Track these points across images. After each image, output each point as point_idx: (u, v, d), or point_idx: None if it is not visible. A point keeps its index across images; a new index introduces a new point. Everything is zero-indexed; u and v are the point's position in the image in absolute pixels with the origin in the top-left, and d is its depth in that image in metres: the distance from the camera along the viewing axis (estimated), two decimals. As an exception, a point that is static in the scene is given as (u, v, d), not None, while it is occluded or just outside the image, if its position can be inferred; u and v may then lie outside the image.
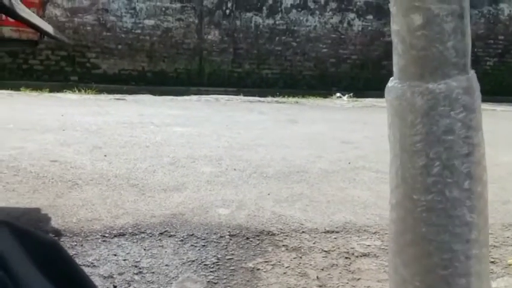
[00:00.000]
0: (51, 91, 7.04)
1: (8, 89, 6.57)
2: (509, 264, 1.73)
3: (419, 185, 0.86)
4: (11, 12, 1.37)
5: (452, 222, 0.84)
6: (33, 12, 2.13)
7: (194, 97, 7.52)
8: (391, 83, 0.90)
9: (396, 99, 0.87)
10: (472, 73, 0.85)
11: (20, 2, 1.51)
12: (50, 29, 1.62)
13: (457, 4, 0.81)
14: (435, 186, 0.85)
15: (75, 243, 1.77)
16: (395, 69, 0.90)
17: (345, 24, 10.53)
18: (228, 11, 9.83)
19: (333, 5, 10.37)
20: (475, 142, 0.84)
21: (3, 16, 1.83)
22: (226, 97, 7.77)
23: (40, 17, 2.28)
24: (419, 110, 0.84)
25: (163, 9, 9.48)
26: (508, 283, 1.59)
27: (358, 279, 1.60)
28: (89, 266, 1.61)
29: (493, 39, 11.04)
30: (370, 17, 10.55)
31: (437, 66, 0.82)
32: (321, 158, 3.31)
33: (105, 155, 3.00)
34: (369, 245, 1.86)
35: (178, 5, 9.54)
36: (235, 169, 2.88)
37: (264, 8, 10.05)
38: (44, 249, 0.48)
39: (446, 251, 0.85)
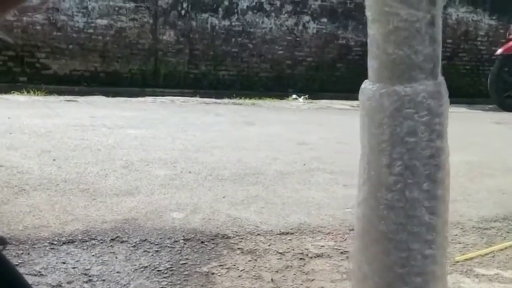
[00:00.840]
0: (-3, 92, 6.74)
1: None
2: (457, 262, 1.79)
3: (383, 184, 0.88)
4: None
5: (410, 222, 0.86)
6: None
7: (149, 98, 7.40)
8: (364, 84, 0.92)
9: (367, 100, 0.90)
10: (441, 79, 0.87)
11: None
12: (-9, 28, 1.55)
13: (426, 11, 0.83)
14: (396, 185, 0.87)
15: (22, 252, 1.70)
16: (369, 71, 0.92)
17: (300, 27, 10.66)
18: (183, 12, 9.74)
19: (288, 7, 10.48)
20: (438, 145, 0.86)
21: None
22: (182, 99, 7.69)
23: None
24: (386, 111, 0.86)
25: (117, 8, 9.28)
26: (456, 280, 1.65)
27: (312, 280, 1.61)
28: (36, 275, 1.55)
29: (442, 42, 11.46)
30: (324, 20, 10.73)
31: (404, 70, 0.85)
32: (277, 159, 3.33)
33: (54, 159, 2.90)
34: (322, 246, 1.88)
35: (132, 5, 9.36)
36: (190, 172, 2.85)
37: (220, 9, 10.03)
38: None
39: (403, 249, 0.87)
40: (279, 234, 1.98)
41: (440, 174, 0.87)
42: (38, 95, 6.81)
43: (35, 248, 1.74)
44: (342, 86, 9.73)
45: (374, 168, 0.89)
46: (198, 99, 7.86)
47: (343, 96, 8.69)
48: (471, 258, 1.82)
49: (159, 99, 7.49)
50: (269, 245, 1.87)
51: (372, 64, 0.90)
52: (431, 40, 0.85)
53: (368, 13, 0.89)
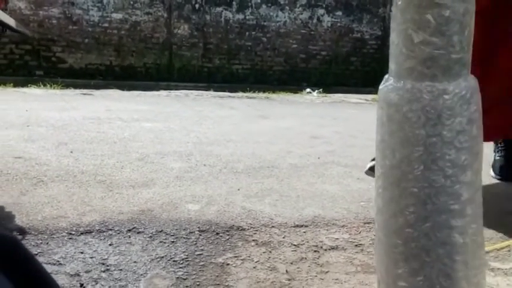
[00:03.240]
0: (15, 86, 6.84)
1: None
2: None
3: (409, 174, 0.86)
4: (-31, 3, 1.32)
5: (449, 199, 0.85)
6: (-6, 4, 2.07)
7: (163, 92, 7.44)
8: (394, 84, 0.89)
9: (402, 99, 0.87)
10: (472, 76, 0.85)
11: (-21, -7, 1.45)
12: (12, 21, 1.57)
13: (469, 3, 0.81)
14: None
15: (41, 241, 1.73)
16: (397, 70, 0.88)
17: (315, 20, 10.61)
18: (197, 6, 9.76)
19: (303, 1, 10.43)
20: (474, 134, 0.84)
21: (-38, 7, 1.76)
22: (196, 92, 7.72)
23: (2, 10, 2.21)
24: (423, 109, 0.84)
25: (132, 2, 9.32)
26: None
27: (327, 272, 1.62)
28: (54, 264, 1.58)
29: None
30: (339, 13, 10.66)
31: (438, 66, 0.82)
32: (291, 153, 3.33)
33: (71, 151, 2.94)
34: (337, 238, 1.89)
35: (146, -1, 9.41)
36: (205, 165, 2.86)
37: (234, 2, 10.02)
38: (2, 244, 0.47)
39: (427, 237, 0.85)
40: (294, 226, 1.99)
41: (470, 160, 0.85)
42: (54, 88, 6.89)
43: (53, 238, 1.77)
44: (357, 79, 9.67)
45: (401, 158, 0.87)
46: (212, 92, 7.89)
47: (357, 90, 8.65)
48: (487, 252, 1.81)
49: (174, 92, 7.53)
50: (284, 237, 1.88)
51: (395, 58, 0.87)
52: (468, 33, 0.83)
53: (393, 9, 0.86)
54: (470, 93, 0.82)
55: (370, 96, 8.41)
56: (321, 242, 1.85)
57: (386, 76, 0.91)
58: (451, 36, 0.81)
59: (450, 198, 0.84)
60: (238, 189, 2.41)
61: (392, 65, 0.88)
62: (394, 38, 0.86)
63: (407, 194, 0.86)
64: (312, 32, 10.64)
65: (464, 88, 0.82)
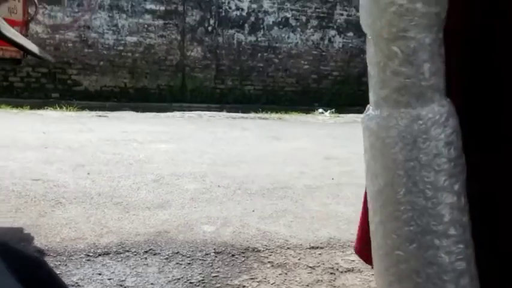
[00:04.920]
0: (32, 108, 6.97)
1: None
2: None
3: (402, 187, 0.88)
4: (-4, 32, 1.38)
5: (432, 220, 0.86)
6: (17, 30, 2.13)
7: (177, 113, 7.52)
8: (371, 112, 0.93)
9: (380, 127, 0.90)
10: (448, 100, 0.88)
11: (4, 22, 1.51)
12: (35, 48, 1.63)
13: (440, 33, 0.84)
14: (416, 186, 0.87)
15: (59, 263, 1.75)
16: (371, 96, 0.93)
17: (326, 41, 10.69)
18: (210, 28, 9.91)
19: (314, 22, 10.54)
20: (460, 163, 0.86)
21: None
22: (209, 113, 7.79)
23: (23, 35, 2.28)
24: (398, 134, 0.87)
25: (146, 26, 9.50)
26: None
27: (343, 294, 1.62)
28: (73, 286, 1.60)
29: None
30: (350, 34, 10.74)
31: (414, 93, 0.85)
32: (305, 174, 3.34)
33: (88, 173, 2.98)
34: (353, 260, 1.88)
35: (160, 22, 9.58)
36: (219, 186, 2.89)
37: (246, 25, 10.16)
38: (27, 264, 0.49)
39: (429, 247, 0.87)
40: (309, 248, 1.99)
41: (458, 184, 0.87)
42: (70, 110, 7.01)
43: (71, 259, 1.79)
44: (369, 100, 9.67)
45: (390, 195, 0.89)
46: (224, 113, 7.95)
47: (369, 110, 8.65)
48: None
49: (187, 114, 7.61)
50: (299, 259, 1.88)
51: (374, 89, 0.91)
52: (438, 60, 0.85)
53: (372, 39, 0.90)
54: (445, 117, 0.85)
55: (382, 116, 8.37)
56: (337, 264, 1.85)
57: (368, 106, 0.95)
58: (420, 65, 0.84)
59: (433, 220, 0.86)
60: (253, 211, 2.42)
61: (371, 95, 0.92)
62: (370, 70, 0.90)
63: (393, 217, 0.89)
64: (324, 53, 10.72)
65: (438, 112, 0.84)
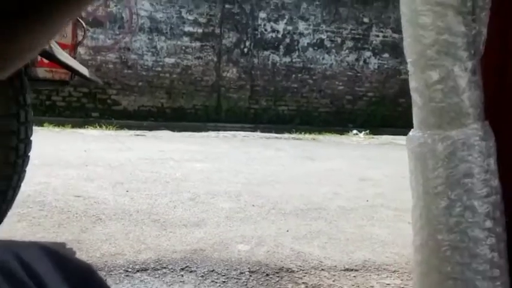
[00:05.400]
0: (73, 127, 7.22)
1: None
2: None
3: (443, 226, 0.90)
4: (52, 56, 1.47)
5: (475, 261, 0.88)
6: (67, 53, 2.25)
7: (212, 133, 7.64)
8: (412, 132, 0.97)
9: (418, 146, 0.94)
10: (486, 122, 0.91)
11: (58, 46, 1.61)
12: (85, 70, 1.72)
13: (470, 61, 0.88)
14: (458, 226, 0.89)
15: (100, 277, 1.81)
16: (415, 120, 0.97)
17: (361, 62, 10.67)
18: (246, 50, 10.07)
19: (350, 43, 10.55)
20: (493, 185, 0.88)
21: (38, 57, 1.94)
22: (243, 133, 7.87)
23: (72, 57, 2.40)
24: (440, 156, 0.90)
25: (184, 48, 9.75)
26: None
27: (378, 317, 1.61)
28: (113, 300, 1.65)
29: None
30: (386, 55, 10.70)
31: (454, 116, 0.89)
32: (339, 195, 3.34)
33: (127, 191, 3.07)
34: (388, 284, 1.87)
35: (198, 44, 9.82)
36: (253, 205, 2.92)
37: (281, 46, 10.27)
38: (79, 273, 0.52)
39: None
40: (344, 270, 1.99)
41: (499, 212, 0.89)
42: (109, 129, 7.23)
43: (111, 275, 1.85)
44: (405, 121, 9.52)
45: (431, 211, 0.91)
46: (258, 133, 8.01)
47: (406, 132, 8.50)
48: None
49: (222, 133, 7.71)
50: (333, 281, 1.88)
51: (417, 113, 0.95)
52: (476, 87, 0.89)
53: (411, 67, 0.94)
54: (475, 140, 0.90)
55: (418, 138, 8.25)
56: (372, 287, 1.84)
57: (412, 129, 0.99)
58: (450, 92, 0.90)
59: (467, 238, 0.90)
60: (287, 231, 2.44)
61: (414, 117, 0.96)
62: (412, 95, 0.94)
63: (433, 238, 0.91)
64: (359, 74, 10.70)
65: (468, 135, 0.87)
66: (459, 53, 0.89)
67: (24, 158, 1.53)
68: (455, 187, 0.89)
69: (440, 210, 0.90)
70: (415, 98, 0.96)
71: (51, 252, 0.44)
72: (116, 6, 9.40)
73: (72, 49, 2.48)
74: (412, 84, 0.96)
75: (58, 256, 0.47)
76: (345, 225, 2.62)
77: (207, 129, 8.30)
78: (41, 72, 2.04)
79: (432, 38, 0.89)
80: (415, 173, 0.96)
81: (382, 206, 3.07)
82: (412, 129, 1.00)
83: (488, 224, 0.88)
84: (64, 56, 1.56)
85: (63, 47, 2.26)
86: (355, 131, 9.09)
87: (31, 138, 1.57)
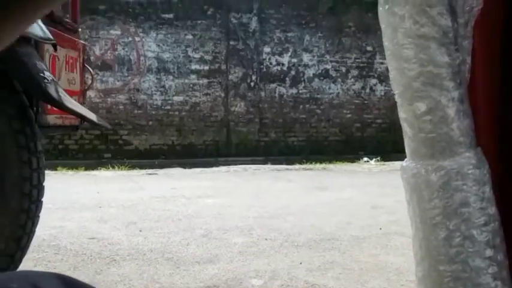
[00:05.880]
0: (86, 169, 7.32)
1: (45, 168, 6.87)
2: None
3: (443, 257, 0.91)
4: (59, 104, 1.54)
5: None
6: (75, 99, 2.33)
7: (223, 168, 7.68)
8: (406, 163, 0.99)
9: (412, 177, 0.95)
10: (479, 149, 0.93)
11: (66, 94, 1.68)
12: (93, 116, 1.78)
13: (457, 91, 0.91)
14: (458, 257, 0.90)
15: (115, 319, 1.82)
16: (407, 150, 0.99)
17: (368, 90, 10.75)
18: (252, 84, 10.21)
19: (355, 72, 10.66)
20: (491, 212, 0.90)
21: (48, 105, 2.01)
22: (254, 167, 7.90)
23: (81, 103, 2.48)
24: (434, 186, 0.92)
25: (191, 85, 9.93)
26: None
27: None
28: None
29: None
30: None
31: (445, 146, 0.91)
32: (351, 224, 3.32)
33: (140, 230, 3.09)
34: (404, 312, 1.85)
35: (205, 81, 9.99)
36: (266, 239, 2.92)
37: (287, 78, 10.41)
38: None
39: None
40: (359, 300, 1.97)
41: (498, 239, 0.90)
42: (121, 169, 7.31)
43: (126, 315, 1.86)
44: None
45: (431, 242, 0.92)
46: (269, 166, 8.04)
47: (416, 156, 8.48)
48: None
49: (233, 168, 7.75)
50: (349, 312, 1.86)
51: (408, 143, 0.97)
52: (464, 115, 0.91)
53: (398, 99, 0.97)
54: (469, 169, 0.89)
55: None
56: (388, 316, 1.82)
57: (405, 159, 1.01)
58: (438, 122, 0.91)
59: (468, 268, 0.89)
60: (301, 263, 2.43)
61: (406, 147, 0.98)
62: (402, 126, 0.97)
63: (434, 269, 0.92)
64: (366, 102, 10.76)
65: (461, 164, 0.90)
66: (445, 84, 0.91)
67: (38, 204, 1.57)
68: (452, 217, 0.90)
69: (439, 241, 0.92)
70: (405, 128, 0.97)
71: (67, 281, 0.47)
72: (123, 49, 9.65)
73: (81, 95, 2.56)
74: (401, 115, 0.98)
75: (73, 284, 0.49)
76: (358, 254, 2.60)
77: (218, 164, 8.35)
78: (51, 119, 2.11)
79: (417, 71, 0.91)
80: (411, 204, 0.97)
81: (396, 234, 3.04)
82: (405, 160, 1.02)
83: (489, 252, 0.89)
84: (72, 103, 1.62)
85: (72, 93, 2.34)
86: (366, 159, 9.07)
87: (43, 184, 1.61)
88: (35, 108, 1.82)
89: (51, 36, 1.69)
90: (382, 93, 10.79)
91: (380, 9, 0.99)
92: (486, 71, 0.98)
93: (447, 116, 0.90)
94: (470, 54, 0.93)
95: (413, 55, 0.90)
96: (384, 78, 10.76)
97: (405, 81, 0.92)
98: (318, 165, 8.07)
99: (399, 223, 3.33)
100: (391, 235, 3.02)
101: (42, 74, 1.47)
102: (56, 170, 7.04)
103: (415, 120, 0.93)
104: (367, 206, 4.07)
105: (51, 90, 1.46)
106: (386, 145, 10.49)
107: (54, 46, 1.89)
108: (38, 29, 1.62)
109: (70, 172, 7.04)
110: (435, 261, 0.91)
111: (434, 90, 0.90)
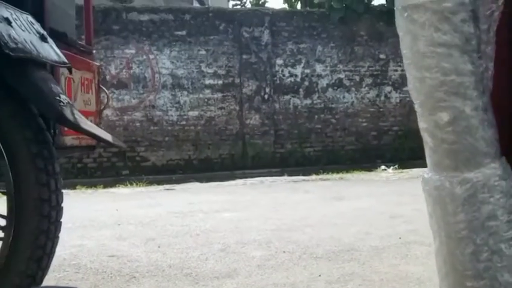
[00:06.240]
0: (105, 187, 7.39)
1: (64, 188, 6.96)
2: None
3: (470, 272, 0.88)
4: (75, 127, 1.57)
5: None
6: (91, 120, 2.37)
7: (239, 181, 7.68)
8: (427, 174, 0.95)
9: (435, 189, 0.92)
10: (503, 159, 0.89)
11: (82, 116, 1.71)
12: (109, 136, 1.82)
13: (480, 99, 0.88)
14: (487, 272, 0.86)
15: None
16: (429, 161, 0.96)
17: (382, 98, 10.71)
18: (266, 96, 10.26)
19: (368, 80, 10.64)
20: None
21: (65, 127, 2.05)
22: (270, 179, 7.89)
23: (97, 124, 2.52)
24: (459, 199, 0.88)
25: (206, 100, 10.02)
26: None
27: None
28: None
29: None
30: (407, 88, 10.68)
31: (469, 157, 0.88)
32: (370, 234, 3.29)
33: (159, 246, 3.11)
34: (426, 323, 1.82)
35: (219, 95, 10.07)
36: (284, 251, 2.91)
37: (301, 89, 10.43)
38: None
39: None
40: (379, 312, 1.95)
41: None
42: (139, 186, 7.37)
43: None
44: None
45: (457, 257, 0.89)
46: (286, 177, 8.02)
47: (435, 163, 8.35)
48: None
49: (249, 181, 7.75)
50: (370, 324, 1.85)
51: (430, 154, 0.94)
52: (489, 125, 0.88)
53: (419, 108, 0.94)
54: (495, 180, 0.86)
55: (449, 168, 8.08)
56: (410, 327, 1.80)
57: (426, 169, 0.98)
58: (462, 132, 0.88)
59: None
60: (320, 275, 2.41)
61: (427, 159, 0.95)
62: (422, 136, 0.94)
63: (458, 283, 0.88)
64: (381, 109, 10.71)
65: (487, 176, 0.86)
66: (468, 92, 0.88)
67: (57, 225, 1.60)
68: (479, 231, 0.87)
69: (466, 256, 0.88)
70: (426, 139, 0.94)
71: None
72: (138, 67, 9.81)
73: (97, 115, 2.60)
74: (422, 125, 0.95)
75: None
76: (378, 265, 2.57)
77: (234, 178, 8.37)
78: (68, 140, 2.15)
79: (439, 80, 0.88)
80: (434, 217, 0.94)
81: (416, 243, 3.01)
82: (426, 171, 0.99)
83: None
84: (88, 124, 1.65)
85: (88, 114, 2.39)
86: (383, 167, 8.99)
87: (62, 205, 1.64)
88: (52, 131, 1.86)
89: (66, 60, 1.74)
90: (398, 100, 10.73)
91: (398, 16, 0.96)
92: (508, 77, 0.95)
93: (471, 125, 0.87)
94: (493, 61, 0.90)
95: (435, 64, 0.87)
96: (398, 85, 10.71)
97: (426, 90, 0.90)
98: (335, 175, 8.03)
99: (418, 232, 3.29)
100: (410, 244, 2.98)
101: (58, 98, 1.51)
102: (75, 188, 7.13)
103: (437, 130, 0.90)
104: (385, 215, 4.03)
105: (67, 113, 1.50)
106: (403, 152, 10.40)
107: (69, 69, 1.94)
108: (53, 53, 1.66)
109: (89, 190, 7.12)
110: (461, 276, 0.87)
111: (458, 100, 0.87)
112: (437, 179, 0.92)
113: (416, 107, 0.96)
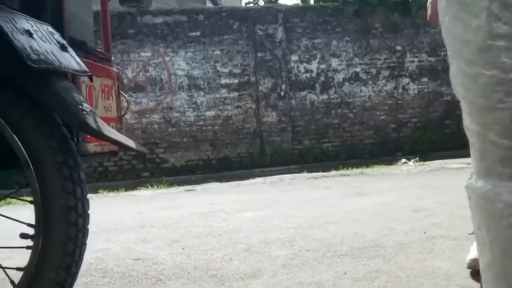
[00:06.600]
0: (126, 190, 7.47)
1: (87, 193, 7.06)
2: None
3: None
4: (98, 134, 1.59)
5: None
6: (112, 126, 2.40)
7: (259, 179, 7.69)
8: (474, 181, 0.87)
9: (483, 199, 0.84)
10: None
11: (104, 123, 1.73)
12: (132, 142, 1.83)
13: None
14: None
15: None
16: (476, 167, 0.87)
17: (400, 90, 10.58)
18: (282, 93, 10.23)
19: (385, 73, 10.53)
20: None
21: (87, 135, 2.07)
22: (290, 176, 7.88)
23: (118, 129, 2.55)
24: None
25: (222, 99, 10.04)
26: None
27: None
28: None
29: None
30: (424, 79, 10.57)
31: None
32: (394, 229, 3.26)
33: (183, 248, 3.13)
34: (456, 320, 1.80)
35: (235, 94, 10.08)
36: (308, 250, 2.90)
37: (317, 85, 10.38)
38: None
39: None
40: (408, 309, 1.93)
41: None
42: (160, 187, 7.43)
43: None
44: (455, 143, 9.21)
45: None
46: (305, 174, 7.99)
47: (457, 154, 8.20)
48: None
49: (269, 179, 7.75)
50: (398, 322, 1.83)
51: (479, 159, 0.85)
52: None
53: (466, 108, 0.84)
54: None
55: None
56: (440, 324, 1.77)
57: (471, 172, 0.89)
58: None
59: None
60: (345, 273, 2.40)
61: (473, 163, 0.87)
62: (469, 138, 0.85)
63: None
64: (399, 101, 10.58)
65: None
66: None
67: (84, 232, 1.62)
68: None
69: (509, 270, 0.79)
70: (475, 142, 0.83)
71: None
72: (154, 69, 9.88)
73: (118, 121, 2.63)
74: (470, 126, 0.84)
75: None
76: (404, 261, 2.55)
77: (253, 176, 8.38)
78: (91, 147, 2.18)
79: (497, 78, 0.77)
80: (483, 229, 0.84)
81: (441, 237, 2.97)
82: (472, 177, 0.87)
83: None
84: (110, 131, 1.67)
85: (109, 120, 2.41)
86: (404, 160, 8.90)
87: (88, 212, 1.66)
88: (75, 139, 1.89)
89: (86, 68, 1.76)
90: (416, 92, 10.60)
91: (444, 1, 0.84)
92: None
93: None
94: None
95: (492, 59, 0.76)
96: (416, 76, 10.58)
97: (480, 88, 0.79)
98: (355, 170, 7.97)
99: (443, 226, 3.25)
100: (436, 239, 2.94)
101: (80, 106, 1.53)
102: (97, 192, 7.22)
103: (490, 133, 0.80)
104: (408, 209, 3.99)
105: (90, 121, 1.51)
106: (423, 144, 10.27)
107: (90, 77, 1.96)
108: (74, 62, 1.68)
109: (111, 194, 7.21)
110: (503, 268, 0.81)
111: (508, 101, 0.76)
112: (489, 188, 0.82)
113: (464, 105, 0.85)
